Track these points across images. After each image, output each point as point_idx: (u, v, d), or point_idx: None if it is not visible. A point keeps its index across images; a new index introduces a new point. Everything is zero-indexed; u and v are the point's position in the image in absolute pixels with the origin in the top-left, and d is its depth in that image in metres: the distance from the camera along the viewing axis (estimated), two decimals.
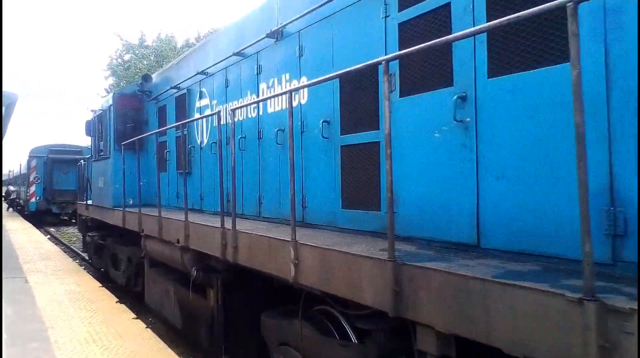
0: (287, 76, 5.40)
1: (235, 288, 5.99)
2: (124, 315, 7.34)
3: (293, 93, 4.15)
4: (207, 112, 7.38)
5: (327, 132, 4.66)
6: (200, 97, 7.68)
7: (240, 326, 5.95)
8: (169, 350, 5.82)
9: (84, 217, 13.55)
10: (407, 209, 3.73)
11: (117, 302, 8.19)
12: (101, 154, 11.24)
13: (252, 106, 6.01)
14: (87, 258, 14.66)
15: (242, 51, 6.31)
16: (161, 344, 6.01)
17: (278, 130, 5.44)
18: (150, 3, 76.03)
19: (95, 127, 11.64)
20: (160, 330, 7.51)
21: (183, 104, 8.25)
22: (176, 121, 8.32)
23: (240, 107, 5.82)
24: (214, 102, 7.23)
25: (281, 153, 5.48)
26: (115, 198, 9.83)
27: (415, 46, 2.93)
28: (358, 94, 4.31)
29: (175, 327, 7.48)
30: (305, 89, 5.05)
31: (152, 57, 35.95)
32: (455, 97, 3.31)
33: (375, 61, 3.25)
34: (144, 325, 6.84)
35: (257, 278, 5.40)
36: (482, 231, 3.18)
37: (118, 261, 10.95)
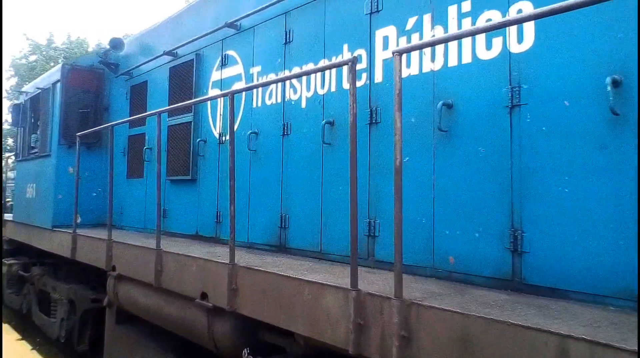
0: (467, 4, 2.94)
1: None
2: (7, 336, 6.86)
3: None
4: (238, 85, 4.69)
5: (617, 103, 2.26)
6: (224, 64, 4.96)
7: None
8: None
9: None
10: None
11: None
12: (34, 151, 8.02)
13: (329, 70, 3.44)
14: None
15: None
16: None
17: (443, 105, 2.94)
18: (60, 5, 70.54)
19: (27, 114, 8.40)
20: (48, 353, 6.87)
21: (185, 76, 5.47)
22: (170, 103, 5.53)
23: (428, 44, 2.71)
24: (255, 69, 4.56)
25: (441, 146, 2.97)
26: (57, 214, 6.76)
27: None
28: None
29: None
30: (526, 26, 2.63)
31: (60, 60, 34.34)
32: None
33: None
34: (29, 347, 6.40)
35: None
36: None
37: (50, 303, 7.73)
